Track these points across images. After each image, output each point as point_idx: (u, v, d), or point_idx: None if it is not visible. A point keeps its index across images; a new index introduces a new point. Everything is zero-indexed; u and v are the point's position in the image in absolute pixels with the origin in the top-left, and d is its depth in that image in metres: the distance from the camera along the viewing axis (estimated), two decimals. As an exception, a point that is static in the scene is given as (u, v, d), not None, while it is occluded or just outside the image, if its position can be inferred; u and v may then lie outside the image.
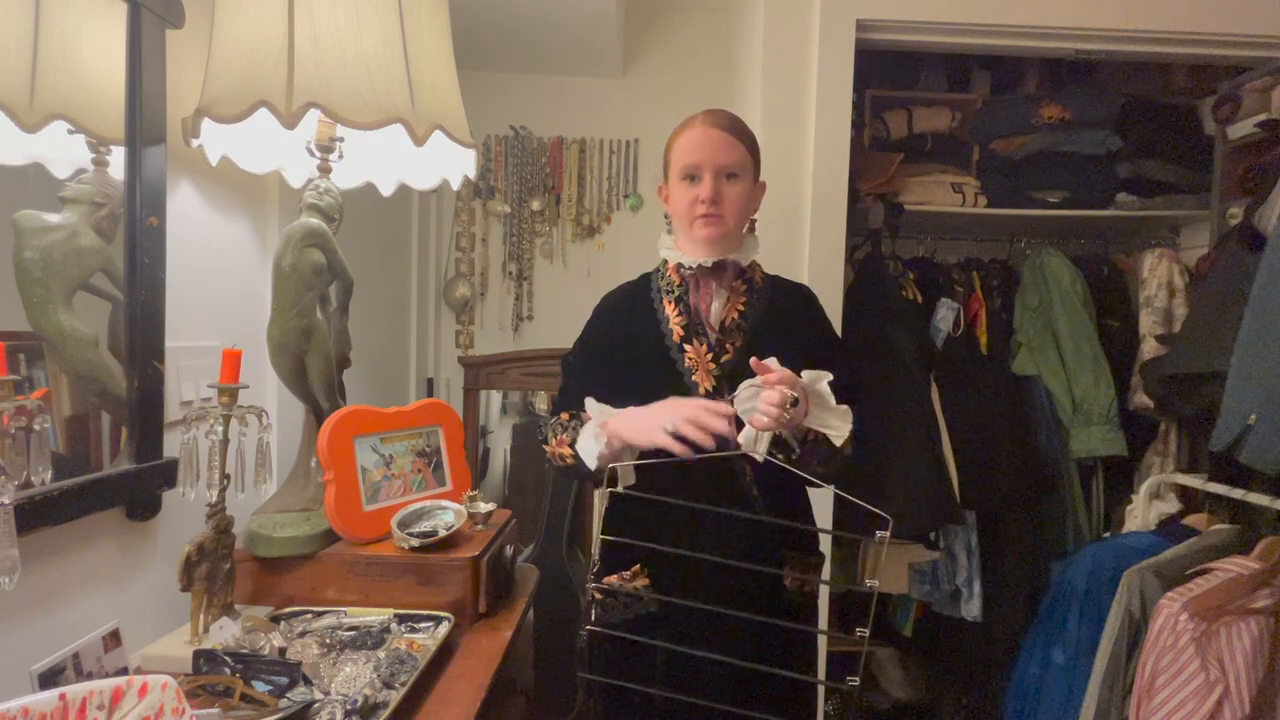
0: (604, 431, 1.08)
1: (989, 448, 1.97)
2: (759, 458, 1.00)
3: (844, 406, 1.04)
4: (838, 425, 1.03)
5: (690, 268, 1.16)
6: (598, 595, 1.18)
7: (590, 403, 1.11)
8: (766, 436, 1.01)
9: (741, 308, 1.16)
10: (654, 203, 2.57)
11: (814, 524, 1.25)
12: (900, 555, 2.06)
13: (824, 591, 1.33)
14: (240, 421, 1.09)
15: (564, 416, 1.18)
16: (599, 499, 1.37)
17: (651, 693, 1.07)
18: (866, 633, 0.88)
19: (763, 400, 0.95)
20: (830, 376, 1.02)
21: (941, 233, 2.33)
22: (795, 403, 0.96)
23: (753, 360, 0.98)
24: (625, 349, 1.20)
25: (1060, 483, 2.07)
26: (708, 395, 1.11)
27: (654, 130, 2.53)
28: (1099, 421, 2.00)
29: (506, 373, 2.28)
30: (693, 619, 1.11)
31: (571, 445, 1.13)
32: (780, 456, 1.04)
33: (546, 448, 1.20)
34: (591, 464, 1.10)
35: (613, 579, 1.18)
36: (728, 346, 1.14)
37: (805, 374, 1.02)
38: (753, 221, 1.21)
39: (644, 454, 1.09)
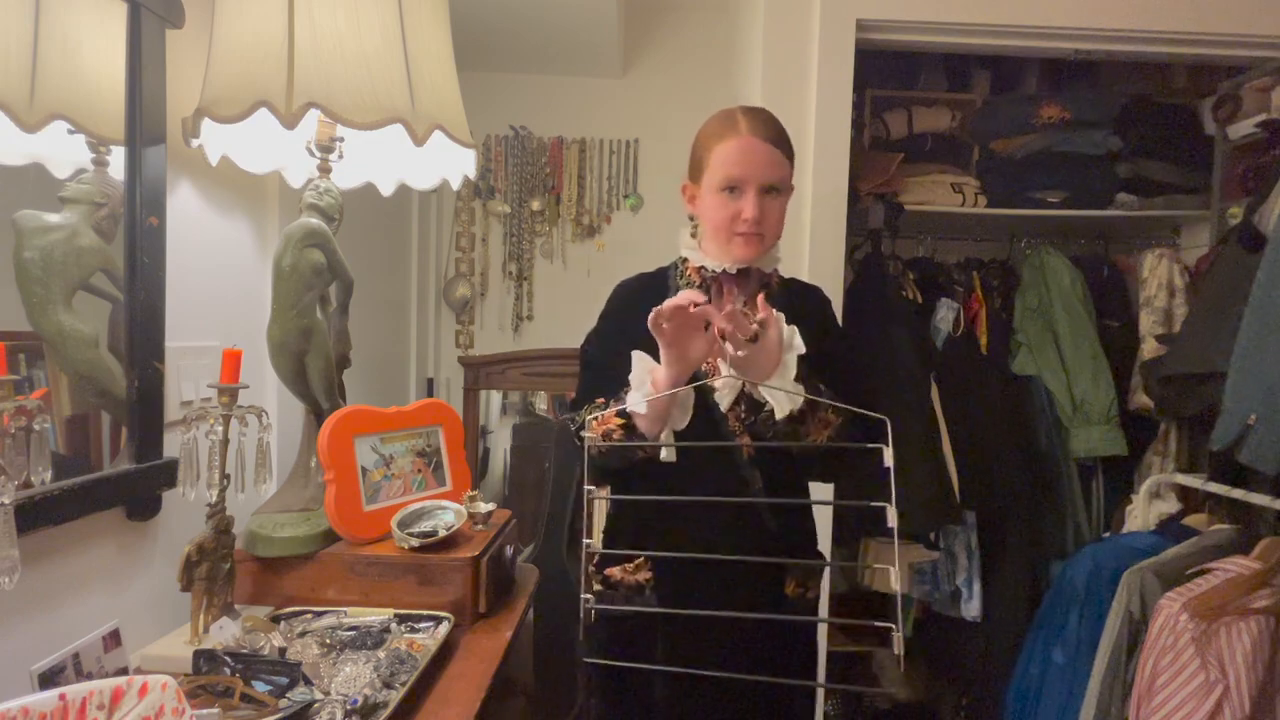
0: (650, 376, 1.03)
1: (989, 448, 1.97)
2: (722, 404, 1.06)
3: (799, 386, 1.00)
4: (779, 398, 1.00)
5: (714, 271, 1.13)
6: (599, 585, 1.18)
7: (637, 355, 1.06)
8: (729, 394, 1.04)
9: None
10: (654, 203, 2.57)
11: (814, 528, 1.23)
12: (900, 555, 2.06)
13: (825, 596, 1.31)
14: (240, 421, 1.09)
15: (599, 401, 1.12)
16: (597, 504, 1.37)
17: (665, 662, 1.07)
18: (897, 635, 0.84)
19: (726, 314, 0.93)
20: (802, 350, 1.00)
21: (941, 233, 2.33)
22: (755, 340, 0.93)
23: (760, 297, 0.96)
24: (643, 345, 1.13)
25: (1060, 483, 2.07)
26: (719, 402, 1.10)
27: (654, 130, 2.53)
28: (1099, 421, 2.00)
29: (506, 373, 2.28)
30: (692, 617, 1.11)
31: (620, 414, 1.06)
32: (748, 415, 1.07)
33: (585, 434, 1.10)
34: (642, 408, 1.02)
35: (615, 571, 1.17)
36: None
37: (787, 331, 1.00)
38: None
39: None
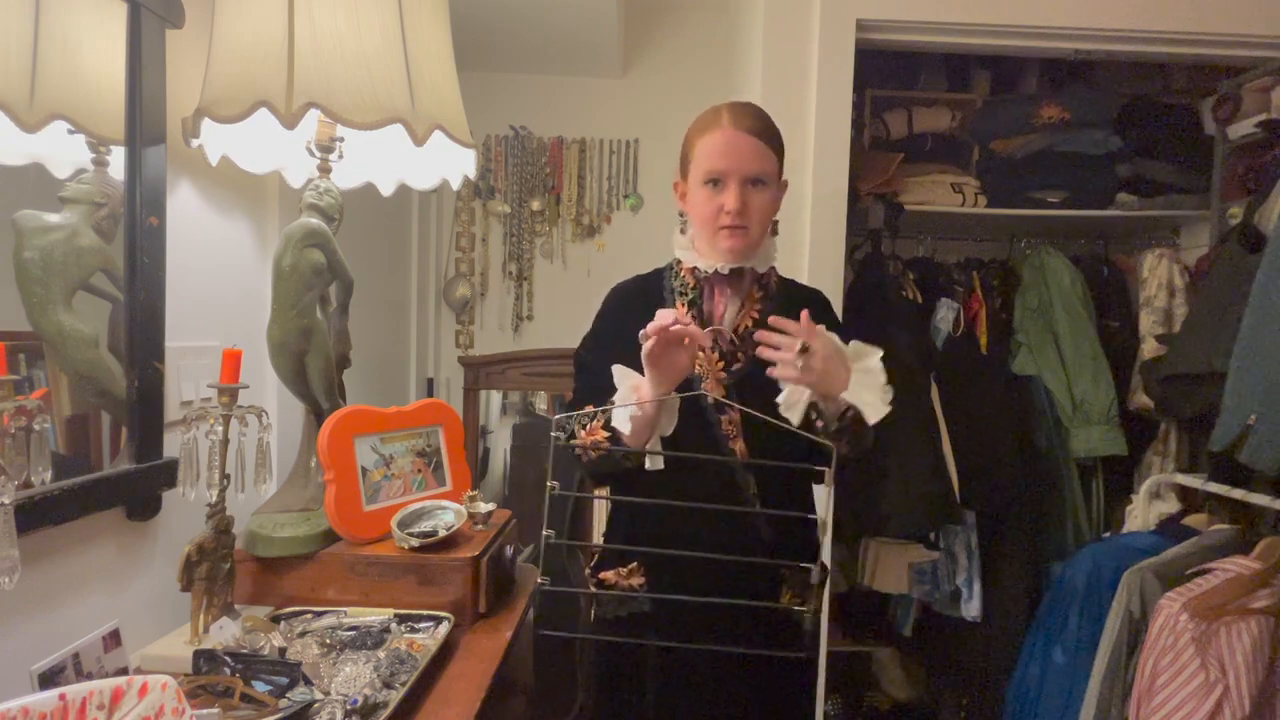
0: (635, 392, 1.03)
1: (989, 448, 1.97)
2: (794, 420, 1.00)
3: (886, 385, 1.00)
4: (873, 402, 0.99)
5: (706, 272, 1.12)
6: (594, 588, 1.18)
7: (618, 369, 1.06)
8: (802, 405, 1.00)
9: (756, 315, 1.11)
10: (654, 203, 2.57)
11: (816, 541, 1.20)
12: (900, 555, 2.06)
13: (825, 607, 1.30)
14: (240, 421, 1.09)
15: (589, 408, 1.11)
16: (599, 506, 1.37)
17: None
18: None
19: (775, 345, 0.95)
20: (880, 353, 1.00)
21: (941, 233, 2.33)
22: (805, 349, 0.94)
23: (772, 319, 0.98)
24: (637, 347, 1.11)
25: (1060, 483, 2.06)
26: (715, 404, 1.09)
27: (654, 130, 2.53)
28: (1099, 421, 2.00)
29: (506, 373, 2.28)
30: (687, 621, 1.11)
31: (606, 426, 1.06)
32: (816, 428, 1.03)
33: (575, 443, 1.11)
34: (625, 428, 1.03)
35: (609, 574, 1.16)
36: (739, 355, 1.10)
37: (852, 345, 1.01)
38: (774, 223, 1.14)
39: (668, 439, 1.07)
